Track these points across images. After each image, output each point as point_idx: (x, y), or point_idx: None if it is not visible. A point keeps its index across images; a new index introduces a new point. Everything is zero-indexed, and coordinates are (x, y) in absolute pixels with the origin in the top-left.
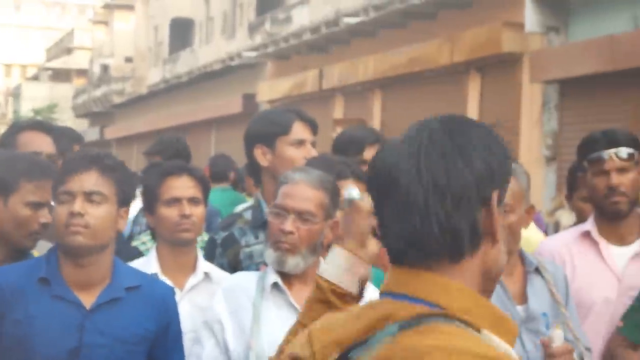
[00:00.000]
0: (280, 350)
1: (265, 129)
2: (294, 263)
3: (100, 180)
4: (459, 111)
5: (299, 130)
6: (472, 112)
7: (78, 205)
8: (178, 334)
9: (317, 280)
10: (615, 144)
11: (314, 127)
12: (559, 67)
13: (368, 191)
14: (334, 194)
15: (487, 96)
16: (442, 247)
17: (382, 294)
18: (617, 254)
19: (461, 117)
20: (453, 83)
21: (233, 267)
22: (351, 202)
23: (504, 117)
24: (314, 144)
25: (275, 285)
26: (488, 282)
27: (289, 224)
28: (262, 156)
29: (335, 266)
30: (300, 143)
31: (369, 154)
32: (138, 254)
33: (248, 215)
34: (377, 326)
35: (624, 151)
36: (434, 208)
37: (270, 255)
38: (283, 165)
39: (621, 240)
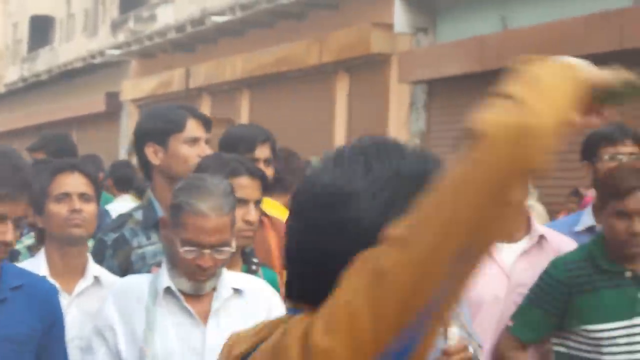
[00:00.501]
0: None
1: (157, 126)
2: (210, 286)
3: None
4: (327, 111)
5: (192, 127)
6: (341, 112)
7: None
8: (62, 334)
9: None
10: None
11: (207, 124)
12: (427, 67)
13: (301, 217)
14: (234, 201)
15: (356, 96)
16: None
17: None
18: (506, 251)
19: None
20: (321, 83)
21: (124, 269)
22: None
23: (372, 117)
24: (207, 142)
25: (168, 289)
26: None
27: (206, 260)
28: (154, 155)
29: None
30: (194, 141)
31: (260, 152)
32: (16, 255)
33: (139, 216)
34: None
35: None
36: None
37: (183, 283)
38: (176, 164)
39: (509, 237)
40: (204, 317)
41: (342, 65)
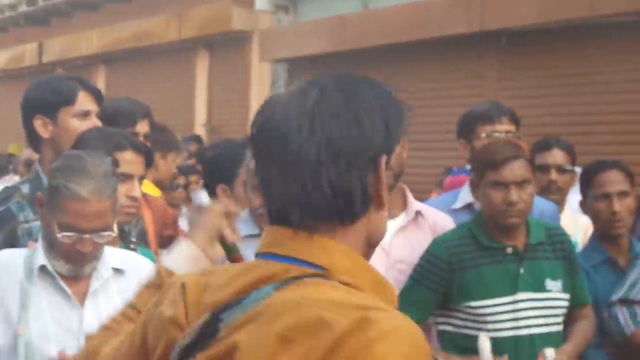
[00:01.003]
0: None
1: (47, 98)
2: (89, 268)
3: None
4: (187, 88)
5: (84, 100)
6: (201, 89)
7: None
8: None
9: (160, 271)
10: None
11: (99, 97)
12: (288, 46)
13: (252, 149)
14: (116, 182)
15: (216, 74)
16: (332, 207)
17: (259, 254)
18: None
19: (356, 77)
20: (181, 60)
21: (9, 244)
22: (201, 207)
23: (234, 94)
24: (98, 115)
25: (43, 268)
26: (368, 249)
27: (86, 245)
28: (43, 128)
29: (180, 258)
30: (85, 115)
31: (140, 127)
32: None
33: (26, 189)
34: (255, 287)
35: None
36: (326, 166)
37: (61, 265)
38: (67, 138)
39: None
40: (82, 298)
41: (203, 42)
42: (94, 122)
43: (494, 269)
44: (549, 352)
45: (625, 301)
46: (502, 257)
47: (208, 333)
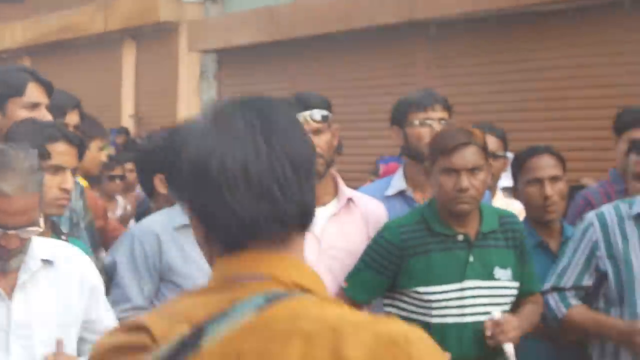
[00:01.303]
0: None
1: None
2: (16, 262)
3: None
4: (114, 80)
5: (33, 92)
6: (128, 81)
7: None
8: None
9: None
10: (309, 106)
11: (49, 89)
12: (216, 37)
13: (195, 181)
14: (41, 175)
15: (144, 65)
16: (297, 219)
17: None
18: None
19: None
20: (108, 51)
21: None
22: None
23: (162, 86)
24: (48, 107)
25: None
26: None
27: (11, 242)
28: None
29: None
30: (35, 106)
31: (70, 118)
32: None
33: None
34: (237, 302)
35: (317, 113)
36: (291, 179)
37: None
38: None
39: (317, 201)
40: (10, 292)
41: (129, 33)
42: (43, 113)
43: (443, 256)
44: (495, 312)
45: (556, 289)
46: (452, 244)
47: (188, 345)
